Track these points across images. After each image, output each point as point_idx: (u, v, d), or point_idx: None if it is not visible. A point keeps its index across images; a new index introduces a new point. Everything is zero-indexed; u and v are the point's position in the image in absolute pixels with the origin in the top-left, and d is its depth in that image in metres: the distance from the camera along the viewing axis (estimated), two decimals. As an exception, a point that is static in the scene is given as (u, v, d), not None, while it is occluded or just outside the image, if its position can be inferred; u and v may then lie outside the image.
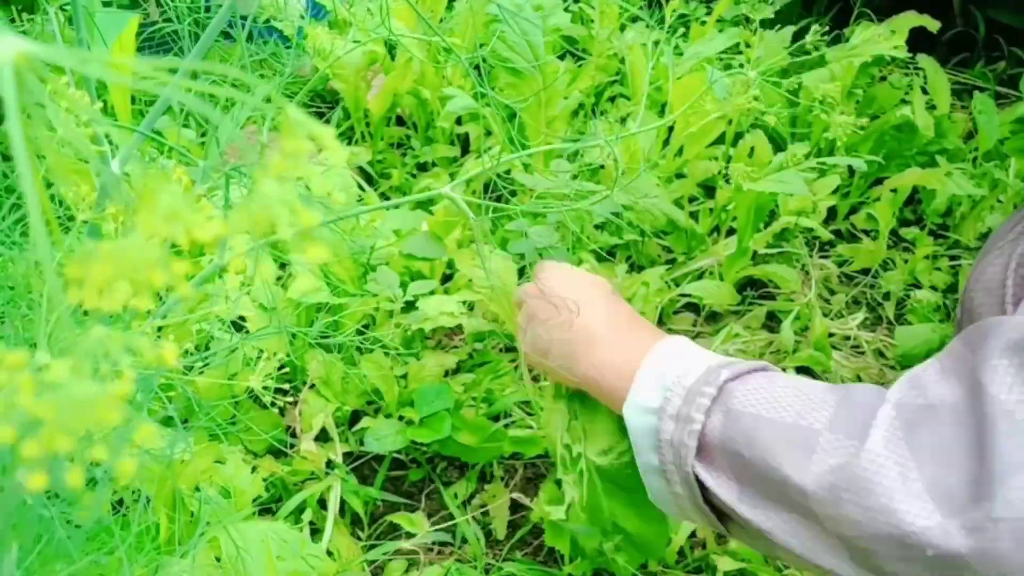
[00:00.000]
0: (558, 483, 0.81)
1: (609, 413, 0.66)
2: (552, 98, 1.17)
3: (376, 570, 0.85)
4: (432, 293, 1.01)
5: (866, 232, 1.35)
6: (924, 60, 1.43)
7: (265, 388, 0.66)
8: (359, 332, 0.97)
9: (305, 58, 1.27)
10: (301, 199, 0.16)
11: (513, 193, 1.12)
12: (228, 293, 0.61)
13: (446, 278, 1.13)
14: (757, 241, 1.18)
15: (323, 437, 0.94)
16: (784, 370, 1.05)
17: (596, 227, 1.17)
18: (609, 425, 0.67)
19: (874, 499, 0.46)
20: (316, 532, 0.86)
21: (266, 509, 0.88)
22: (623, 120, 1.32)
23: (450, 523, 0.91)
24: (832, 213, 1.36)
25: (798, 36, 1.27)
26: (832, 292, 1.25)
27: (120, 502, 0.65)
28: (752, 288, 1.23)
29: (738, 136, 1.27)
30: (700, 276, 1.19)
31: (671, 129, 1.24)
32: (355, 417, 0.98)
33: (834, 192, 1.24)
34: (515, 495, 0.93)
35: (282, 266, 1.00)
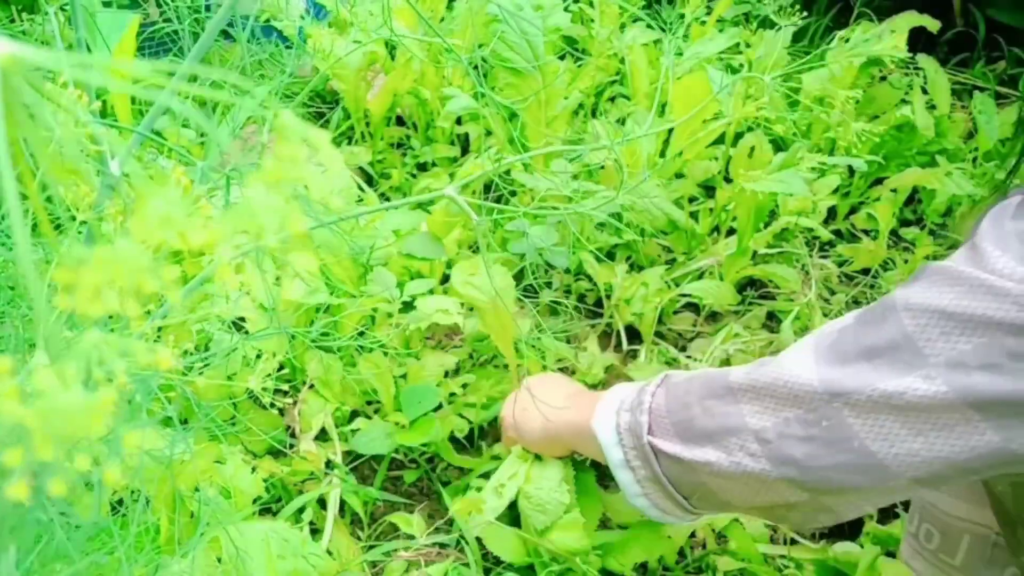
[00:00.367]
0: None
1: (558, 465, 0.84)
2: (552, 98, 1.17)
3: (376, 570, 0.85)
4: (431, 292, 1.01)
5: (866, 232, 1.35)
6: (924, 60, 1.43)
7: (264, 389, 0.66)
8: (359, 332, 0.97)
9: (306, 58, 1.27)
10: (299, 201, 0.16)
11: (513, 193, 1.12)
12: (228, 293, 0.61)
13: (446, 278, 1.13)
14: (757, 241, 1.18)
15: (323, 437, 0.94)
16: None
17: (596, 227, 1.17)
18: (555, 473, 0.83)
19: (780, 388, 0.60)
20: (316, 532, 0.86)
21: (266, 509, 0.88)
22: (623, 120, 1.32)
23: (449, 523, 0.91)
24: (832, 213, 1.36)
25: (798, 36, 1.27)
26: (832, 292, 1.25)
27: (120, 502, 0.65)
28: (752, 288, 1.23)
29: (738, 136, 1.27)
30: (700, 276, 1.19)
31: (671, 129, 1.24)
32: (355, 417, 0.98)
33: (834, 192, 1.24)
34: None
35: (283, 266, 1.00)
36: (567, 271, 1.18)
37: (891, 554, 0.84)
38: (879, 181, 1.35)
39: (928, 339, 0.53)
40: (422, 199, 0.61)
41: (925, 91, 1.42)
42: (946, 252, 1.28)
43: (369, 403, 0.98)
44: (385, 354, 0.96)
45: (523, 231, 0.95)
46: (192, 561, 0.67)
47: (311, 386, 0.96)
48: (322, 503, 0.89)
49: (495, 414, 0.98)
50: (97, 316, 0.13)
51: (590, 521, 0.83)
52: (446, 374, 1.00)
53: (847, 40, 1.24)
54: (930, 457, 0.53)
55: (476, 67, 0.66)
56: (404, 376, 0.99)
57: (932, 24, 1.39)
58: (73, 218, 0.46)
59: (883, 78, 1.46)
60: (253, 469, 0.84)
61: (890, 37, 1.24)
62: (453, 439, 0.96)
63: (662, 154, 1.24)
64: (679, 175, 1.27)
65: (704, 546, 0.89)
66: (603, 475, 0.90)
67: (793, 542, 0.90)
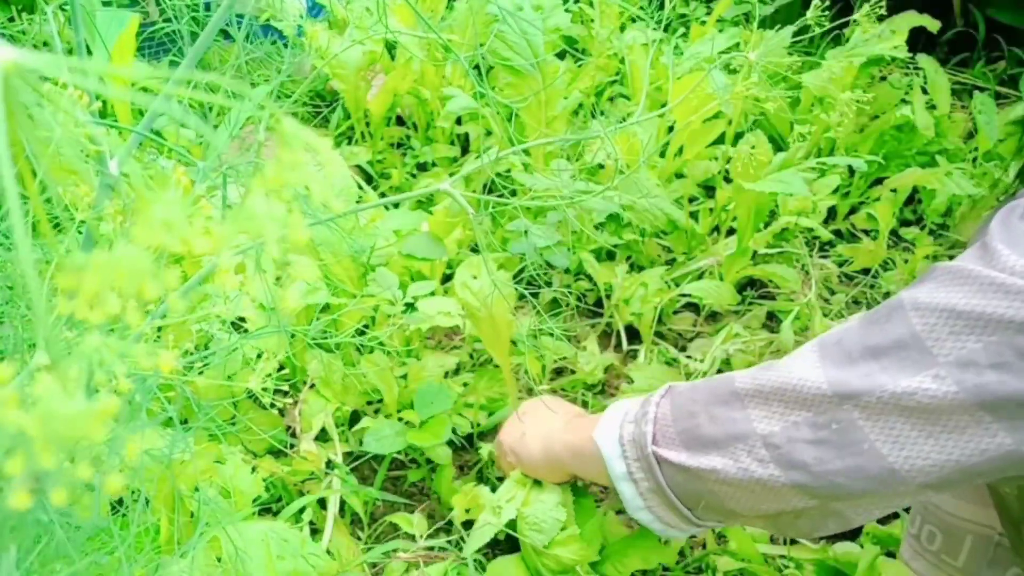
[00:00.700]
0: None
1: (556, 490, 0.83)
2: (552, 98, 1.17)
3: (376, 570, 0.85)
4: (432, 294, 1.01)
5: (866, 232, 1.35)
6: (924, 60, 1.43)
7: (264, 388, 0.66)
8: (359, 332, 0.97)
9: (304, 58, 1.27)
10: (300, 201, 0.16)
11: (513, 193, 1.12)
12: (228, 293, 0.61)
13: (446, 278, 1.13)
14: (757, 241, 1.17)
15: (323, 437, 0.94)
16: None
17: (596, 227, 1.17)
18: (553, 496, 0.82)
19: (788, 392, 0.59)
20: (316, 532, 0.86)
21: (266, 509, 0.88)
22: (623, 120, 1.32)
23: (449, 524, 0.91)
24: (832, 213, 1.36)
25: (798, 36, 1.27)
26: (832, 292, 1.25)
27: (120, 502, 0.65)
28: (752, 288, 1.23)
29: (738, 136, 1.27)
30: (700, 276, 1.19)
31: (671, 129, 1.24)
32: (355, 417, 0.98)
33: (834, 192, 1.24)
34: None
35: (283, 267, 1.00)
36: (567, 271, 1.18)
37: (891, 554, 0.84)
38: (879, 181, 1.35)
39: (937, 338, 0.52)
40: (419, 194, 0.61)
41: (925, 91, 1.41)
42: (946, 252, 1.28)
43: (370, 403, 0.98)
44: (386, 354, 0.96)
45: (523, 231, 0.95)
46: (192, 561, 0.67)
47: (312, 386, 0.96)
48: (322, 503, 0.89)
49: (496, 421, 0.98)
50: (98, 321, 0.13)
51: (591, 545, 0.82)
52: (446, 375, 1.00)
53: (847, 40, 1.24)
54: (940, 460, 0.53)
55: (476, 67, 0.66)
56: (404, 376, 0.99)
57: (932, 24, 1.39)
58: (72, 218, 0.46)
59: (883, 78, 1.46)
60: (253, 469, 0.84)
61: (890, 37, 1.24)
62: (453, 440, 0.96)
63: (662, 154, 1.24)
64: (679, 175, 1.27)
65: (704, 546, 0.89)
66: (602, 500, 0.91)
67: (793, 542, 0.90)
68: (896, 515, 0.90)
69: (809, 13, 0.77)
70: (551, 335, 1.00)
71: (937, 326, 0.52)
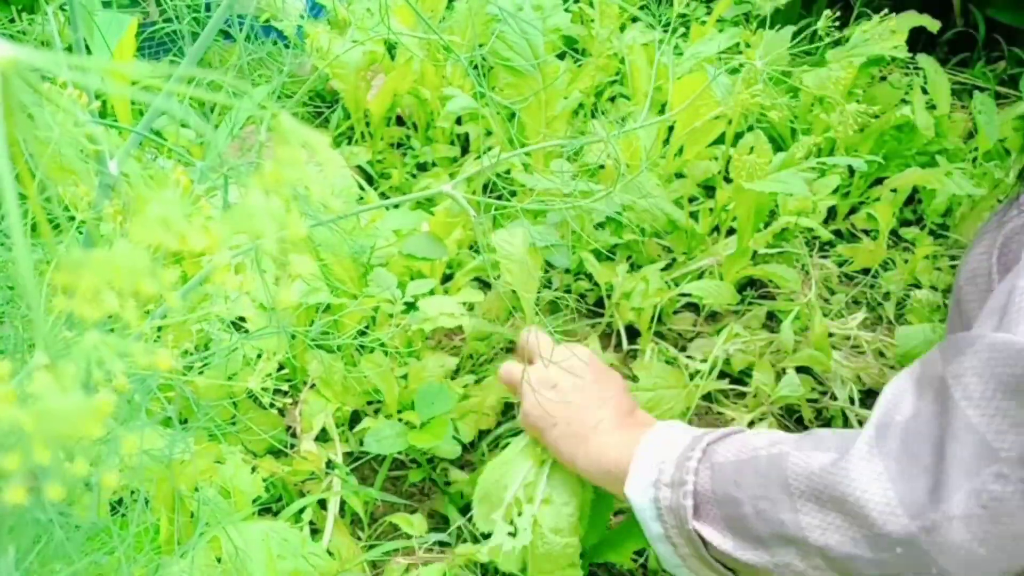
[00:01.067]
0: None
1: (576, 493, 0.76)
2: (552, 98, 1.17)
3: (376, 570, 0.85)
4: (432, 293, 1.01)
5: (866, 232, 1.35)
6: (924, 60, 1.43)
7: (264, 389, 0.67)
8: (359, 332, 0.97)
9: (304, 58, 1.27)
10: (299, 201, 0.16)
11: (513, 193, 1.12)
12: (227, 293, 0.61)
13: (446, 278, 1.13)
14: (757, 241, 1.17)
15: (323, 437, 0.94)
16: (784, 370, 1.06)
17: (596, 227, 1.17)
18: (570, 479, 0.77)
19: (850, 506, 0.54)
20: (316, 532, 0.86)
21: (266, 509, 0.88)
22: (623, 120, 1.32)
23: (449, 524, 0.91)
24: (832, 213, 1.36)
25: (798, 36, 1.27)
26: (832, 292, 1.25)
27: (120, 502, 0.65)
28: (752, 288, 1.23)
29: (738, 136, 1.27)
30: (700, 276, 1.18)
31: (671, 129, 1.24)
32: (355, 417, 0.98)
33: (834, 192, 1.24)
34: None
35: (283, 267, 0.99)
36: (567, 271, 1.18)
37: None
38: (879, 181, 1.35)
39: (998, 431, 0.48)
40: (419, 196, 0.61)
41: (925, 91, 1.41)
42: (946, 252, 1.28)
43: (370, 403, 0.98)
44: (386, 354, 0.96)
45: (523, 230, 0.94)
46: (192, 561, 0.67)
47: (312, 386, 0.96)
48: (322, 503, 0.89)
49: (495, 421, 0.98)
50: (96, 319, 0.13)
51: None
52: (447, 375, 1.00)
53: (847, 40, 1.24)
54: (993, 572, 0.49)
55: (476, 67, 0.66)
56: (405, 377, 0.99)
57: (932, 24, 1.39)
58: (72, 218, 0.46)
59: (883, 78, 1.46)
60: (253, 469, 0.84)
61: (890, 37, 1.24)
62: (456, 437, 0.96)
63: (662, 155, 1.24)
64: (679, 175, 1.27)
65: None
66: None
67: None
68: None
69: (820, 23, 0.77)
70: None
71: (996, 417, 0.48)
